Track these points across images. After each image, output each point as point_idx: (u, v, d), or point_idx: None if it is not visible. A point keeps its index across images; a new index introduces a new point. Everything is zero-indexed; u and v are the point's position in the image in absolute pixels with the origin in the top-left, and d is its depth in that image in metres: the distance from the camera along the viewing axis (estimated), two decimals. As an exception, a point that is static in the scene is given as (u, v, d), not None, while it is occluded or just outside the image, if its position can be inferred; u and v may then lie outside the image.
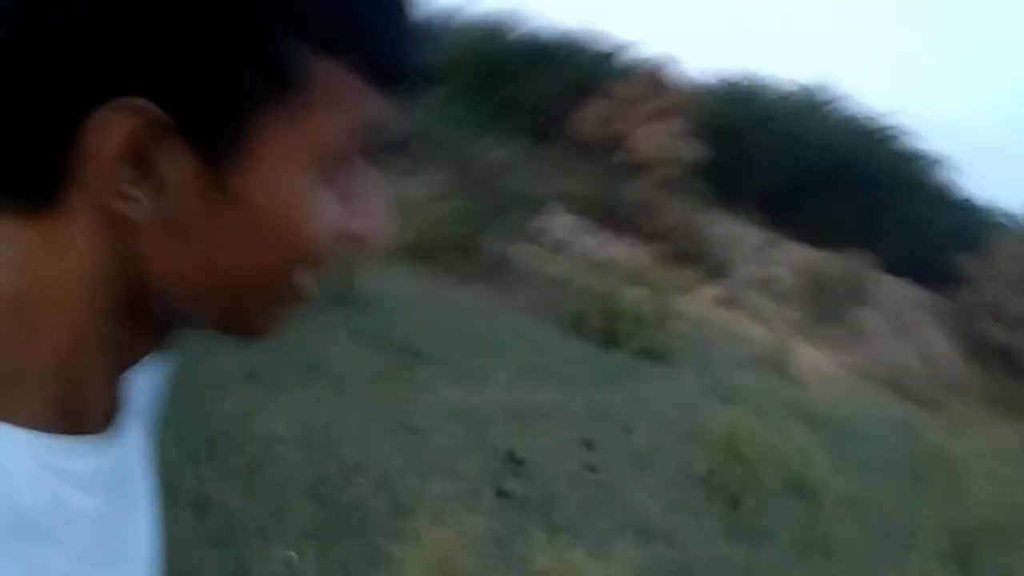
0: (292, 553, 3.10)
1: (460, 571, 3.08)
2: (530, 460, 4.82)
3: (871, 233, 15.07)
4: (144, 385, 0.67)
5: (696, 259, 14.14)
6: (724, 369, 8.74)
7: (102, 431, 0.57)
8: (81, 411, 0.54)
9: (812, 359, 11.95)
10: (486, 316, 7.53)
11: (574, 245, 13.08)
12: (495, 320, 7.52)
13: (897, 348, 13.89)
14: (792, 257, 14.84)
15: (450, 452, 4.48)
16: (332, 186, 0.54)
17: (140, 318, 0.55)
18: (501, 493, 4.18)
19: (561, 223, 13.61)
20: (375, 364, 5.28)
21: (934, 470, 7.13)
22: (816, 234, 15.01)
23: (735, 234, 14.98)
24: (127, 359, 0.58)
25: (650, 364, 7.94)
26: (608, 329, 8.36)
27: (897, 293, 14.82)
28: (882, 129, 16.17)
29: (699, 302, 12.73)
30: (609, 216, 14.27)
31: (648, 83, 15.54)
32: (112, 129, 0.48)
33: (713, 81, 17.04)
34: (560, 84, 16.15)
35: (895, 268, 15.09)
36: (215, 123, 0.49)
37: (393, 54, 0.54)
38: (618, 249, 13.90)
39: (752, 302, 13.42)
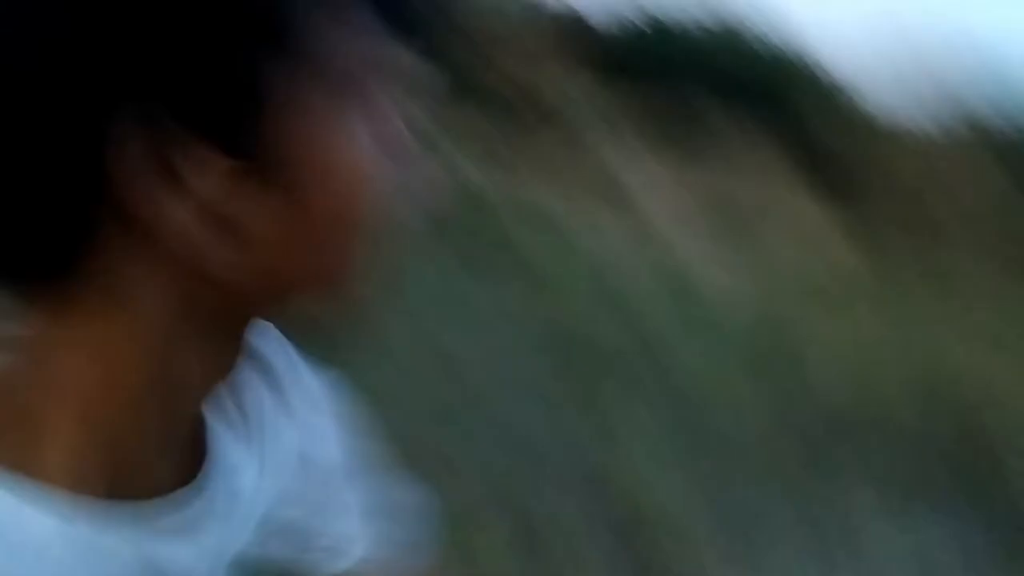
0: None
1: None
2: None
3: (773, 150, 15.43)
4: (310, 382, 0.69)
5: (600, 193, 14.42)
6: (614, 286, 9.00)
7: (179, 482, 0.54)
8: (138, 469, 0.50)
9: (713, 276, 12.29)
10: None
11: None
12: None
13: (799, 257, 14.30)
14: (695, 180, 15.18)
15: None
16: (361, 123, 0.51)
17: (221, 336, 0.52)
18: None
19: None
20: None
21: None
22: (720, 156, 15.36)
23: (639, 163, 15.25)
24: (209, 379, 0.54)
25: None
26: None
27: (799, 206, 15.22)
28: (787, 55, 16.62)
29: (605, 235, 12.98)
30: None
31: (551, 28, 15.74)
32: (130, 155, 0.43)
33: (615, 20, 17.29)
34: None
35: (798, 181, 15.46)
36: (226, 108, 0.45)
37: None
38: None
39: (656, 228, 13.73)
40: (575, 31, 15.13)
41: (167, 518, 0.51)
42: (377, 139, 0.52)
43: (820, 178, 15.77)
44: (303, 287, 0.53)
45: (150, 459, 0.51)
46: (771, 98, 16.19)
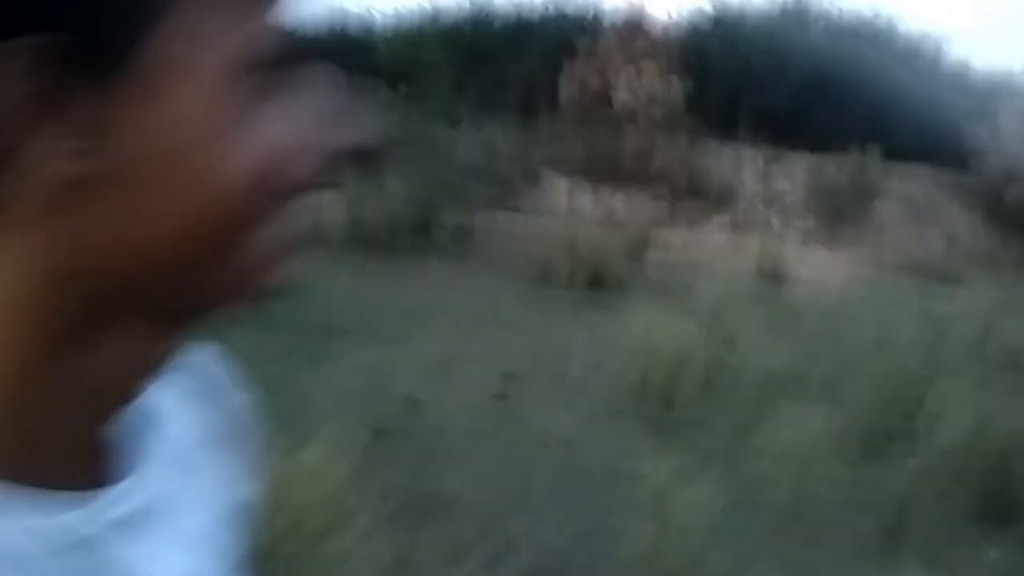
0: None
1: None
2: (432, 401, 4.95)
3: (876, 128, 14.78)
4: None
5: (699, 194, 14.09)
6: (702, 292, 8.66)
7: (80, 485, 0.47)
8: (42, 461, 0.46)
9: (823, 262, 11.79)
10: (432, 286, 7.71)
11: (569, 207, 13.18)
12: (443, 288, 7.70)
13: (918, 233, 13.60)
14: (798, 169, 14.67)
15: (334, 405, 4.61)
16: (265, 101, 0.45)
17: (123, 318, 0.46)
18: (379, 432, 4.35)
19: (556, 188, 13.74)
20: (286, 343, 5.51)
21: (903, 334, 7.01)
22: (820, 144, 14.80)
23: (736, 161, 14.87)
24: (121, 379, 0.48)
25: (616, 299, 7.97)
26: (575, 274, 8.43)
27: (913, 180, 14.49)
28: (862, 23, 15.95)
29: (701, 234, 12.69)
30: (606, 173, 14.35)
31: (623, 35, 15.59)
32: (16, 84, 0.40)
33: (687, 17, 17.04)
34: (541, 57, 16.30)
35: (907, 156, 14.75)
36: (108, 49, 0.41)
37: None
38: (617, 202, 13.94)
39: (760, 221, 13.32)
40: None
41: (98, 512, 0.47)
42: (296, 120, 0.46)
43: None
44: (190, 284, 0.46)
45: (61, 446, 0.47)
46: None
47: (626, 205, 13.71)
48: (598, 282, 8.37)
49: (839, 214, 13.61)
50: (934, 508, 4.41)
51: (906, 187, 14.20)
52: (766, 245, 11.27)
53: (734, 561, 3.57)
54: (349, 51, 14.51)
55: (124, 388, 0.49)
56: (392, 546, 3.20)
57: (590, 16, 17.01)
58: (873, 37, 15.69)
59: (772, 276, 10.04)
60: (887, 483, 4.62)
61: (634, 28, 15.42)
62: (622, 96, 14.70)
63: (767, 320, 7.52)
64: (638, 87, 14.56)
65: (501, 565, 3.30)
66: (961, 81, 15.51)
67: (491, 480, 4.05)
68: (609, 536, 3.42)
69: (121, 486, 0.49)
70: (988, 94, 14.61)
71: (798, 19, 15.99)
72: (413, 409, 4.77)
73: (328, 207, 8.71)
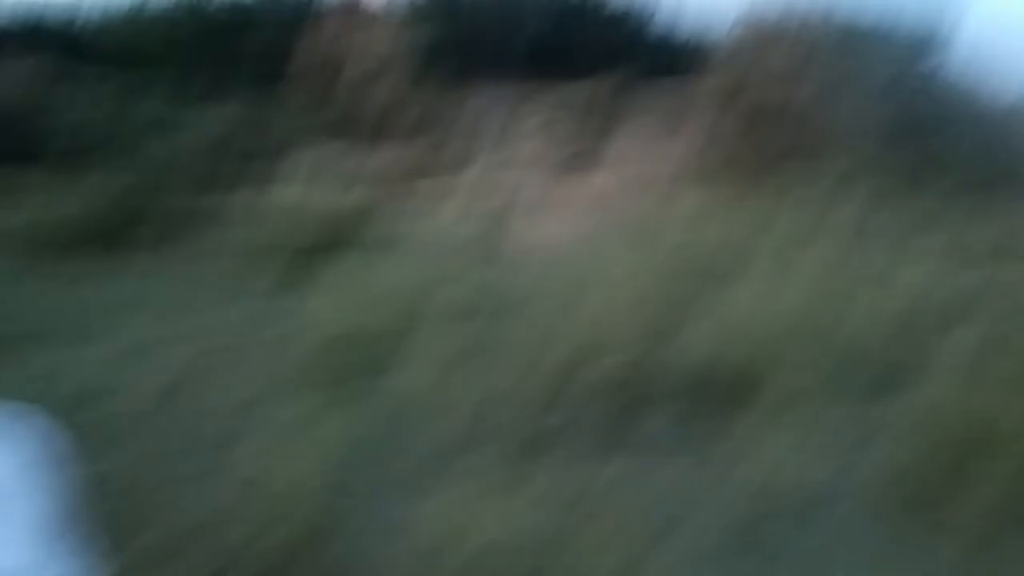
0: None
1: None
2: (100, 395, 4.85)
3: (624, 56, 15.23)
4: None
5: (447, 151, 14.14)
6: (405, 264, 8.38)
7: None
8: None
9: (546, 224, 11.91)
10: (132, 281, 7.45)
11: (308, 178, 12.99)
12: (144, 282, 7.48)
13: (655, 156, 14.11)
14: (542, 109, 14.91)
15: None
16: None
17: None
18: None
19: (294, 161, 13.52)
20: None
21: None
22: (560, 77, 15.06)
23: (480, 111, 15.01)
24: None
25: (326, 270, 7.60)
26: (293, 259, 8.21)
27: (646, 109, 15.00)
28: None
29: (437, 193, 12.71)
30: (350, 138, 14.18)
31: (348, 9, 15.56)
32: None
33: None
34: (271, 44, 15.83)
35: (644, 82, 15.18)
36: None
37: None
38: (373, 163, 13.78)
39: (499, 177, 13.50)
40: None
41: None
42: None
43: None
44: None
45: None
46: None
47: (377, 168, 13.60)
48: (323, 250, 8.24)
49: (584, 149, 13.95)
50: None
51: (642, 115, 14.67)
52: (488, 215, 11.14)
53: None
54: (55, 42, 13.74)
55: None
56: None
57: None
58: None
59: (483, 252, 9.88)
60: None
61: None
62: (360, 65, 14.65)
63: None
64: (374, 54, 14.54)
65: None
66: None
67: (143, 461, 4.04)
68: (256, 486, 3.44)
69: None
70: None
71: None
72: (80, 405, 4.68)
73: (20, 209, 8.30)
